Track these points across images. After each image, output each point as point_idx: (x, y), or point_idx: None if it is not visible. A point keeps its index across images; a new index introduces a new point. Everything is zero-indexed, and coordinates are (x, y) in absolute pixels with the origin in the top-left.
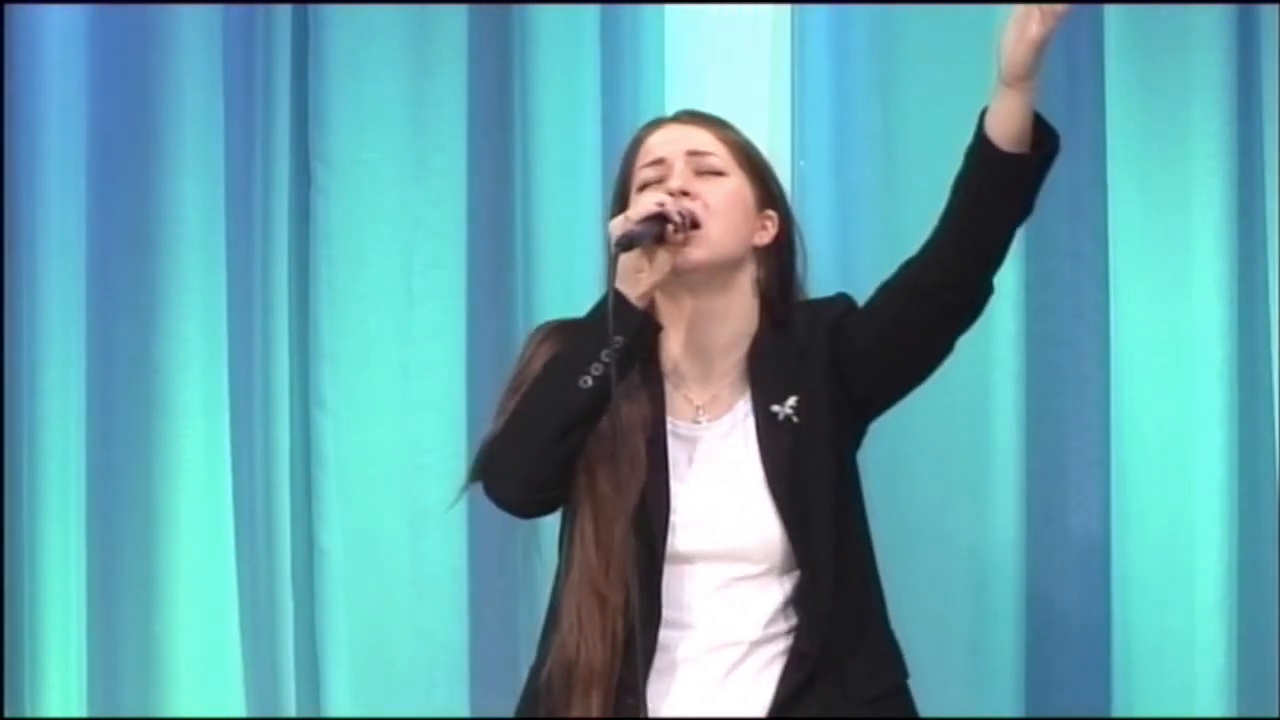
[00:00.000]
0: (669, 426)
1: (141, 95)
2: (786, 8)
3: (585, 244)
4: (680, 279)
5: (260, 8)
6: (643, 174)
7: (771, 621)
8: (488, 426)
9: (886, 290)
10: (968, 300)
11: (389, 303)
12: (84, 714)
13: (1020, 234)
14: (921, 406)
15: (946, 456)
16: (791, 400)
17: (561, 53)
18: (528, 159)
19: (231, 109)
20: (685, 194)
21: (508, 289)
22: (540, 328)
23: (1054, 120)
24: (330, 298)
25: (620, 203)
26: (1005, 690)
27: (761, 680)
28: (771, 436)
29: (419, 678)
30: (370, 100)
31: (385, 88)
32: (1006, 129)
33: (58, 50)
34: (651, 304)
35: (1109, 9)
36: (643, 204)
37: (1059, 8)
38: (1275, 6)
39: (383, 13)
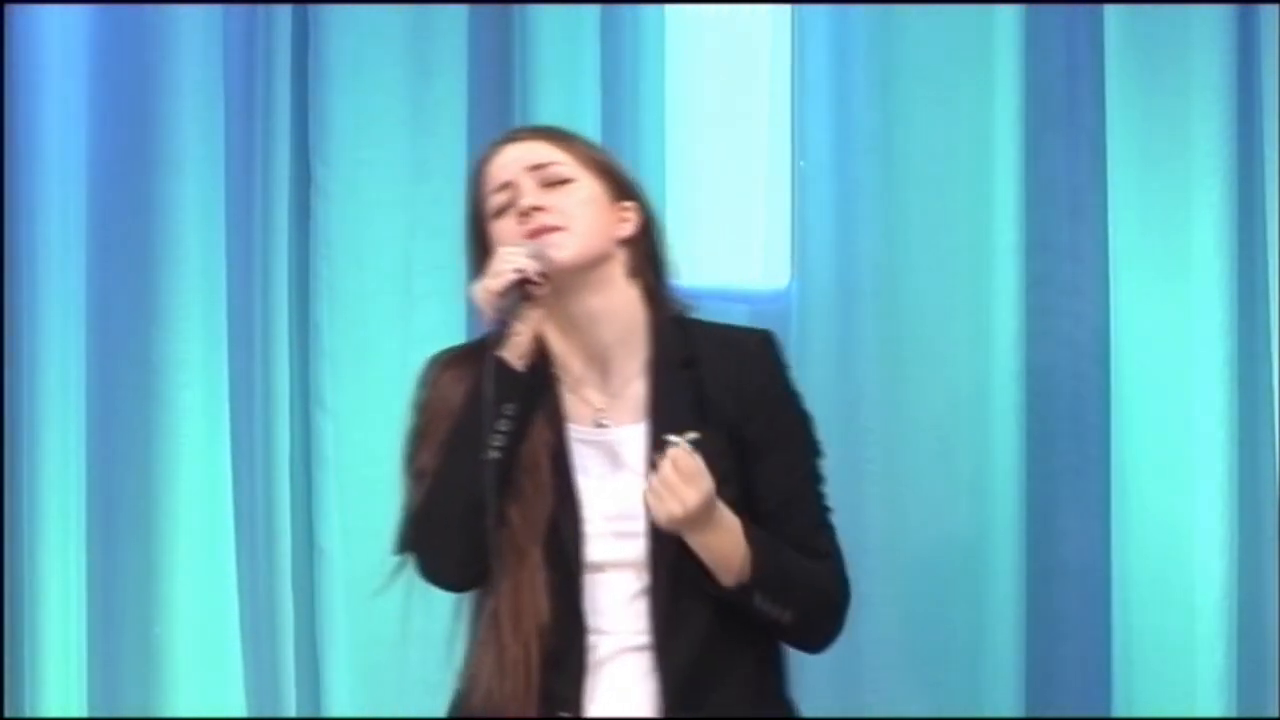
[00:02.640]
0: (570, 433)
1: (141, 96)
2: (786, 8)
3: None
4: (556, 286)
5: (260, 8)
6: (493, 200)
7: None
8: (402, 486)
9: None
10: None
11: (389, 303)
12: (84, 714)
13: (1020, 234)
14: (921, 406)
15: (946, 456)
16: (691, 435)
17: (562, 53)
18: None
19: (232, 109)
20: (538, 209)
21: None
22: (430, 361)
23: (1054, 119)
24: (330, 298)
25: (475, 232)
26: (1005, 690)
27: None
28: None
29: (419, 678)
30: (370, 101)
31: (385, 88)
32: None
33: (58, 51)
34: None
35: (1109, 9)
36: (500, 273)
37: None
38: (1275, 6)
39: (383, 13)
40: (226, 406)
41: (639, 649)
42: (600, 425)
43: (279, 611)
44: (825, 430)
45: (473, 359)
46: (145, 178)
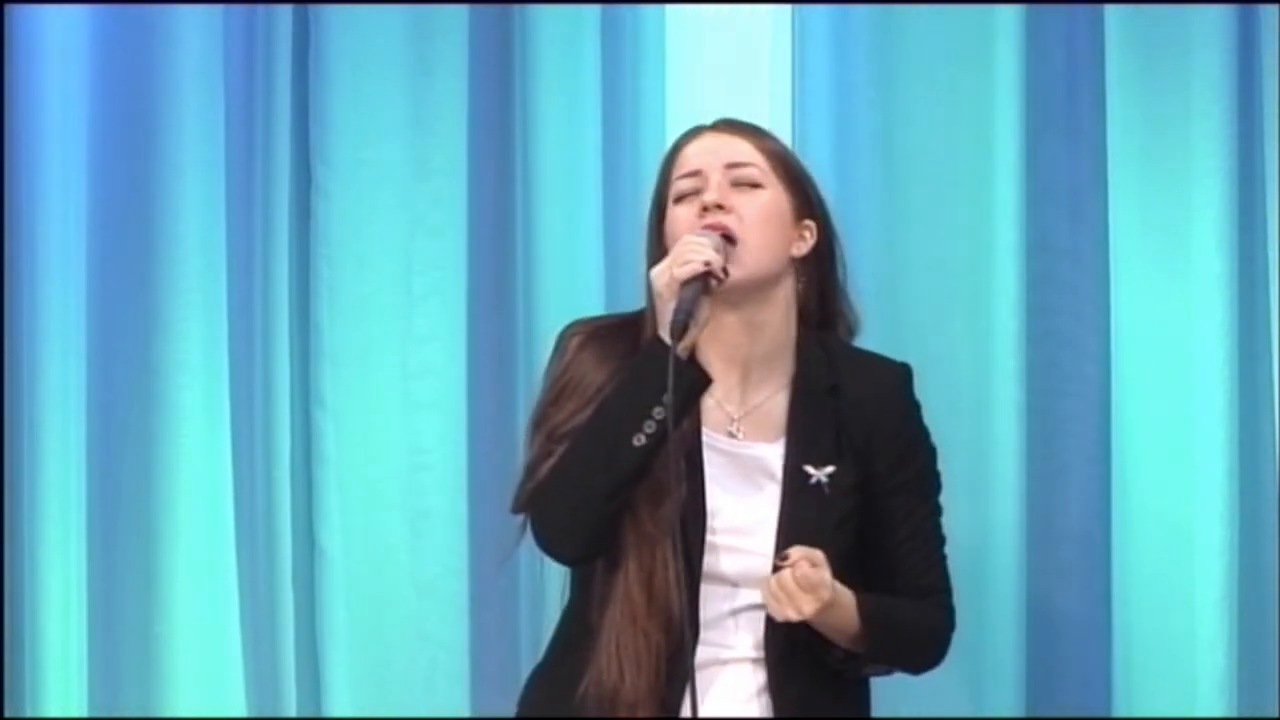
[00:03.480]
0: (705, 439)
1: (142, 95)
2: (787, 8)
3: (586, 244)
4: (719, 296)
5: (260, 8)
6: (679, 185)
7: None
8: (526, 444)
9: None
10: None
11: (389, 303)
12: (84, 714)
13: (1020, 234)
14: (921, 405)
15: (946, 456)
16: (829, 469)
17: (562, 52)
18: (528, 159)
19: (232, 109)
20: (720, 207)
21: (508, 289)
22: (572, 330)
23: (1055, 120)
24: (331, 298)
25: (658, 211)
26: (1005, 690)
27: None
28: (797, 494)
29: (419, 678)
30: (371, 100)
31: (386, 88)
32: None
33: (58, 50)
34: None
35: (1109, 9)
36: (689, 263)
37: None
38: (1275, 6)
39: (383, 13)
40: (227, 406)
41: (751, 661)
42: (732, 435)
43: (279, 611)
44: None
45: (618, 337)
46: (145, 177)
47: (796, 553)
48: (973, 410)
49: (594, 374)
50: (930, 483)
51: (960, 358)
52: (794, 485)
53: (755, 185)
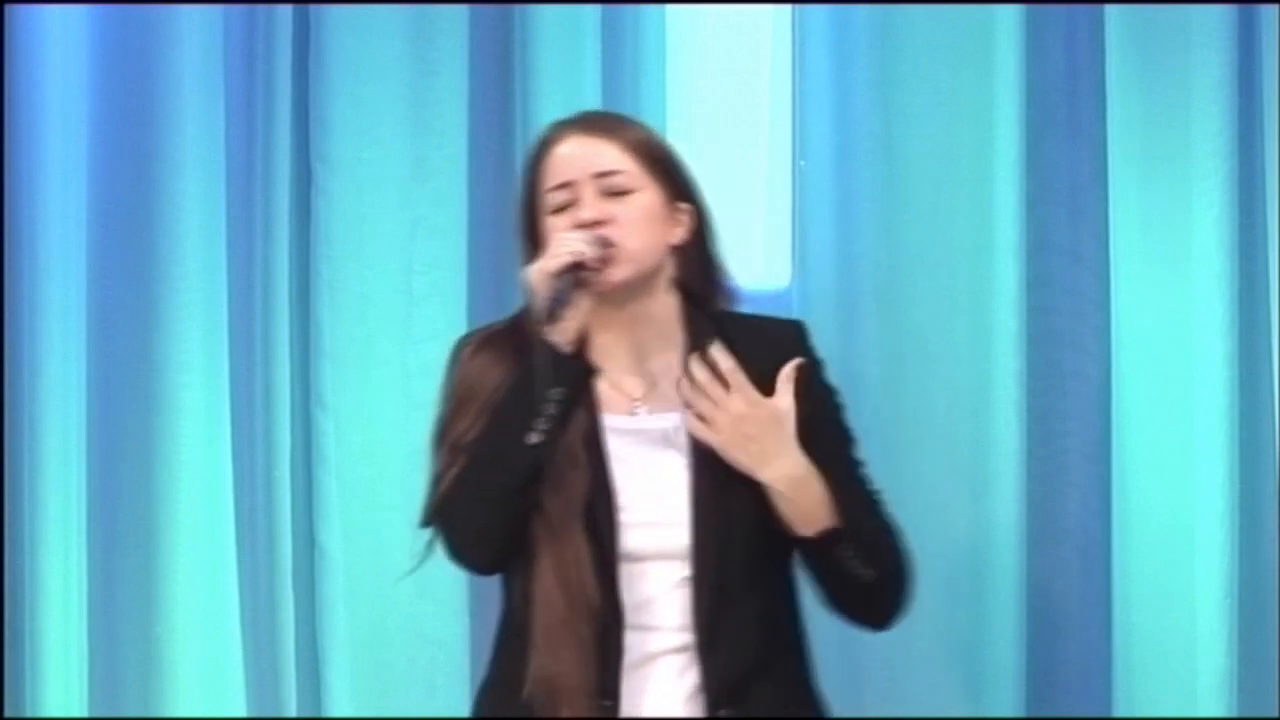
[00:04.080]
0: (604, 422)
1: (142, 95)
2: (787, 8)
3: None
4: (605, 298)
5: (261, 7)
6: (552, 198)
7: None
8: (431, 459)
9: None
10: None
11: (390, 302)
12: (84, 714)
13: (1021, 233)
14: (921, 406)
15: (946, 456)
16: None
17: (562, 52)
18: None
19: (232, 109)
20: (598, 223)
21: (508, 289)
22: (463, 341)
23: (1055, 119)
24: (331, 297)
25: (528, 220)
26: (1005, 690)
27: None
28: (703, 456)
29: (419, 678)
30: (371, 100)
31: (386, 87)
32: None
33: (58, 50)
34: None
35: (1109, 9)
36: (558, 255)
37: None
38: (1275, 6)
39: (383, 12)
40: (227, 406)
41: (683, 647)
42: (633, 414)
43: (280, 611)
44: None
45: (508, 341)
46: (145, 177)
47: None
48: (973, 410)
49: (487, 379)
50: (844, 433)
51: (960, 358)
52: (700, 448)
53: (627, 191)
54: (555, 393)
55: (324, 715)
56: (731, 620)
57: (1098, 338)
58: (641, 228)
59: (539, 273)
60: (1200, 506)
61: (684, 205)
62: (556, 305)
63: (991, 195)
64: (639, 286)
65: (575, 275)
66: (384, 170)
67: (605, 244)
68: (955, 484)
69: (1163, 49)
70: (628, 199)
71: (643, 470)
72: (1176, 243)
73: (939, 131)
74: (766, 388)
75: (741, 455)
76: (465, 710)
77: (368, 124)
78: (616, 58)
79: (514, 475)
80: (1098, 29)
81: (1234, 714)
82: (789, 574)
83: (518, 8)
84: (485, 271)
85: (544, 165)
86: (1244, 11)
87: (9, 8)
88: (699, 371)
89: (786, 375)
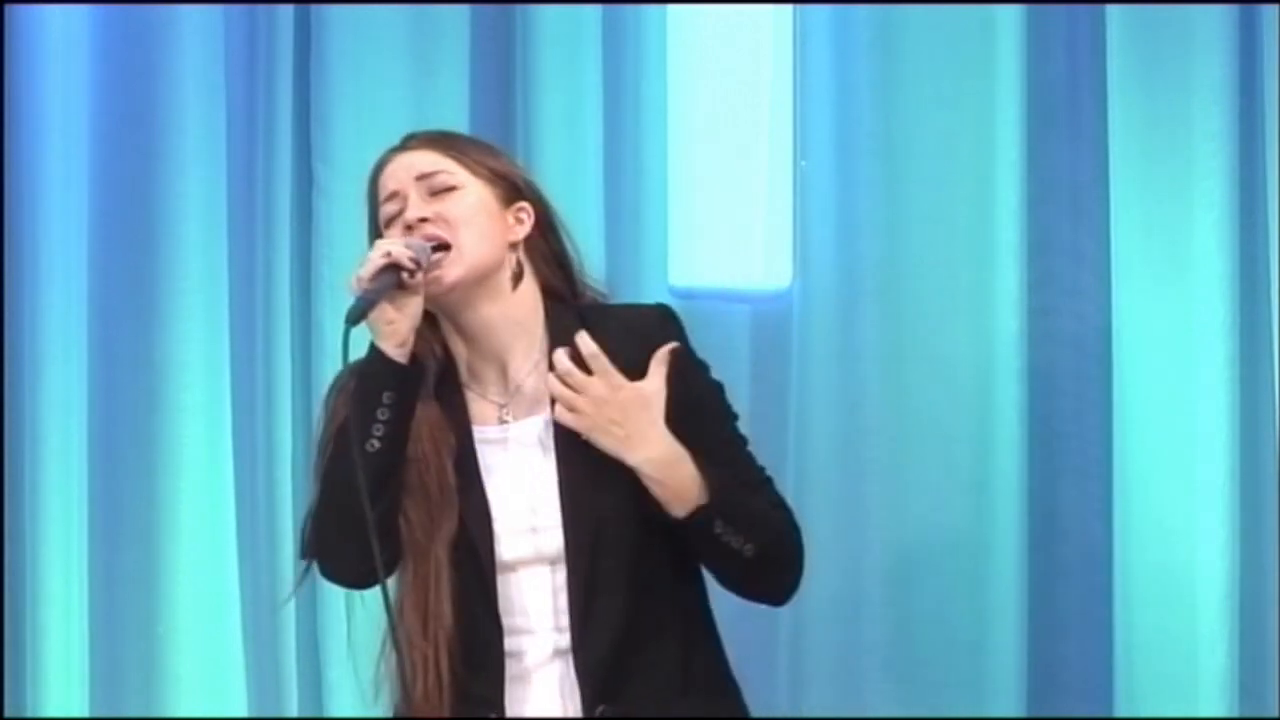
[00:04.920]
0: (475, 434)
1: (143, 95)
2: (788, 7)
3: (587, 243)
4: (445, 300)
5: (261, 8)
6: (384, 210)
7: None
8: (307, 496)
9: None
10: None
11: None
12: (85, 714)
13: (1022, 233)
14: (923, 406)
15: (948, 456)
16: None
17: (563, 52)
18: (530, 159)
19: (233, 109)
20: (424, 221)
21: None
22: (338, 375)
23: (1056, 120)
24: (332, 298)
25: (373, 240)
26: (1006, 690)
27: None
28: (571, 448)
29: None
30: (372, 100)
31: (387, 88)
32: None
33: (59, 50)
34: (434, 326)
35: (1110, 9)
36: (370, 260)
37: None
38: (1276, 6)
39: (384, 12)
40: (228, 407)
41: (563, 650)
42: (503, 422)
43: (281, 611)
44: (826, 430)
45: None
46: (147, 178)
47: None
48: (974, 410)
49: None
50: (721, 411)
51: (961, 358)
52: (567, 446)
53: (451, 188)
54: (386, 396)
55: (325, 715)
56: (607, 618)
57: (1098, 338)
58: (471, 222)
59: (354, 280)
60: (1201, 506)
61: (522, 203)
62: (365, 305)
63: (992, 195)
64: (479, 288)
65: (393, 277)
66: None
67: (438, 245)
68: (955, 484)
69: (1164, 49)
70: (453, 195)
71: (515, 477)
72: (1177, 243)
73: (939, 131)
74: (637, 375)
75: (607, 440)
76: None
77: (369, 124)
78: (617, 58)
79: (358, 487)
80: (1099, 29)
81: (1234, 714)
82: (678, 566)
83: (518, 8)
84: None
85: (376, 186)
86: (1244, 12)
87: (9, 8)
88: (561, 360)
89: (659, 358)
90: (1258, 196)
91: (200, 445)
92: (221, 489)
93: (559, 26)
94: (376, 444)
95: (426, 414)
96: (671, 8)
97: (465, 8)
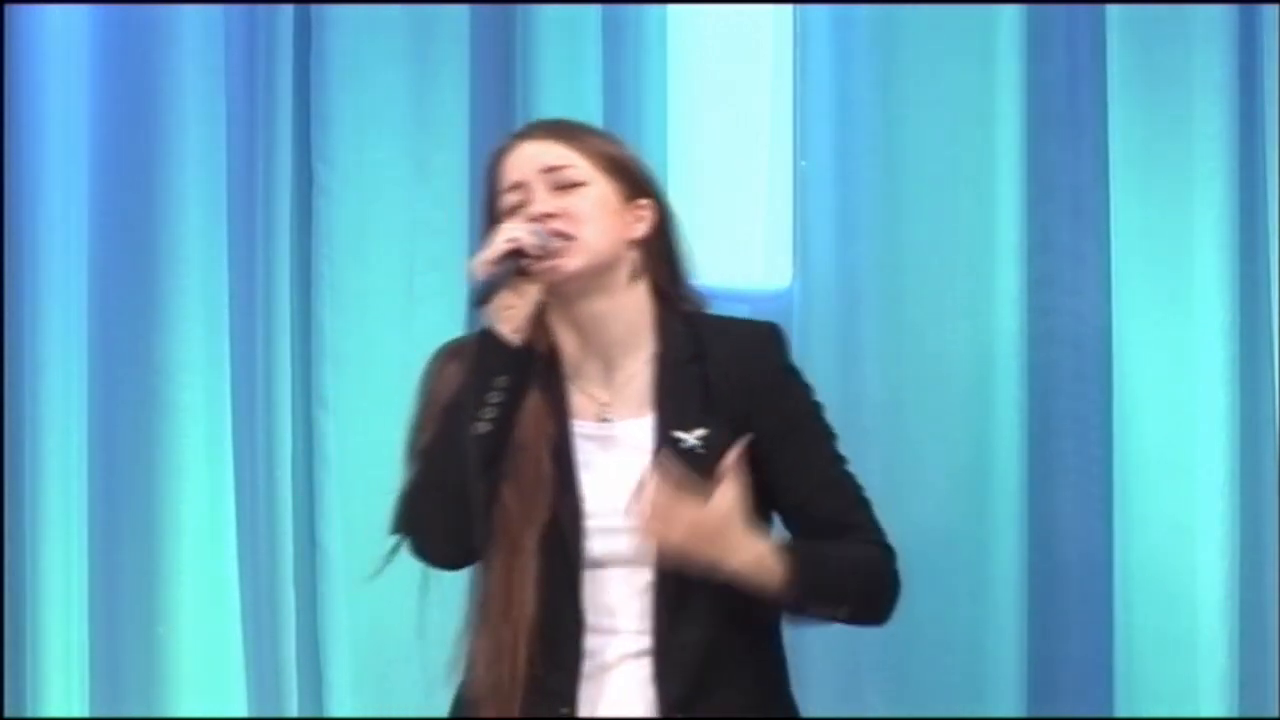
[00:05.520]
0: (574, 428)
1: (143, 96)
2: (788, 8)
3: None
4: (561, 291)
5: (262, 8)
6: (505, 200)
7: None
8: (404, 469)
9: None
10: None
11: (391, 303)
12: (85, 714)
13: (1022, 234)
14: (923, 406)
15: (948, 456)
16: (699, 432)
17: (564, 52)
18: None
19: (233, 109)
20: (549, 216)
21: None
22: (435, 355)
23: (1056, 119)
24: (332, 298)
25: (488, 228)
26: (1006, 691)
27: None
28: (670, 455)
29: (420, 678)
30: (372, 100)
31: (387, 88)
32: None
33: (59, 50)
34: (541, 315)
35: (1110, 9)
36: (494, 244)
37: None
38: (1276, 6)
39: (385, 12)
40: (228, 406)
41: (643, 652)
42: (604, 420)
43: (281, 611)
44: None
45: (472, 351)
46: (147, 178)
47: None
48: (973, 410)
49: (451, 386)
50: (823, 431)
51: (961, 358)
52: (665, 454)
53: (577, 184)
54: (500, 380)
55: (325, 715)
56: (690, 625)
57: (1099, 338)
58: (594, 219)
59: (478, 262)
60: (1201, 506)
61: (643, 201)
62: (489, 289)
63: (992, 195)
64: (596, 280)
65: (516, 263)
66: (385, 171)
67: (561, 237)
68: (955, 484)
69: (1164, 49)
70: (578, 191)
71: (612, 476)
72: (1177, 243)
73: (939, 131)
74: (737, 394)
75: (703, 557)
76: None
77: (369, 124)
78: (617, 58)
79: (464, 467)
80: (1099, 29)
81: (1234, 714)
82: None
83: (519, 8)
84: None
85: (497, 173)
86: (1244, 11)
87: (9, 8)
88: (648, 490)
89: (730, 463)
90: (1258, 196)
91: (200, 444)
92: (221, 488)
93: (559, 26)
94: (485, 426)
95: (530, 402)
96: (671, 8)
97: (465, 8)
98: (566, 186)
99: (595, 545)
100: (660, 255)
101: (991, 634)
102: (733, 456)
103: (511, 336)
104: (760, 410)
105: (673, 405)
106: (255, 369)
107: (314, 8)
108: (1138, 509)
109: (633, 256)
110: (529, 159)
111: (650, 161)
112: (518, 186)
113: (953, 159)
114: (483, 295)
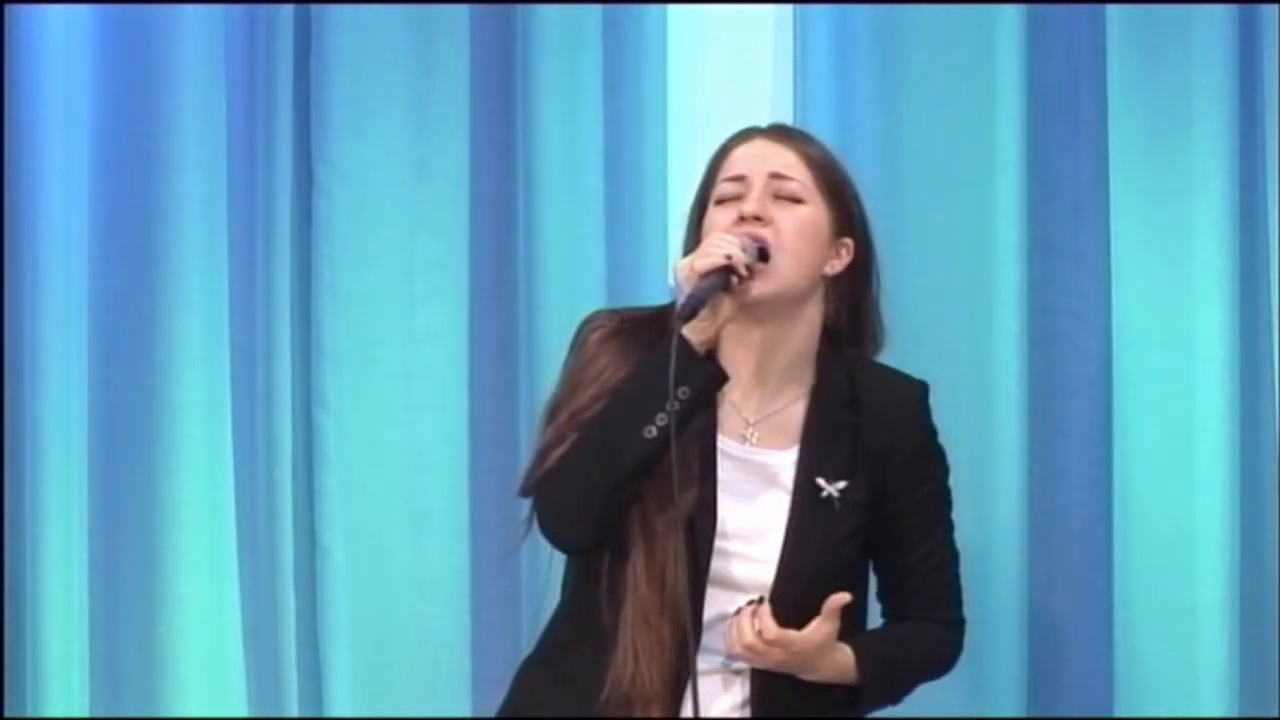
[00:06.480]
0: (719, 443)
1: (143, 95)
2: (788, 7)
3: (587, 244)
4: (745, 310)
5: (261, 7)
6: (722, 188)
7: None
8: (540, 429)
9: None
10: None
11: (391, 303)
12: (85, 714)
13: (1022, 234)
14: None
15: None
16: (841, 484)
17: (564, 52)
18: (530, 159)
19: (233, 109)
20: (758, 219)
21: (510, 289)
22: (594, 323)
23: (1056, 120)
24: (332, 298)
25: (699, 209)
26: (1006, 691)
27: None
28: (807, 506)
29: (421, 678)
30: (372, 100)
31: (387, 87)
32: None
33: (59, 50)
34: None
35: (1111, 9)
36: (710, 255)
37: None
38: (1276, 6)
39: (384, 12)
40: (228, 406)
41: (738, 670)
42: (747, 442)
43: (281, 611)
44: None
45: (643, 331)
46: (147, 177)
47: (764, 611)
48: (974, 410)
49: (614, 368)
50: (945, 501)
51: (961, 358)
52: (804, 496)
53: (796, 200)
54: (682, 391)
55: (325, 715)
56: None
57: (1098, 338)
58: (799, 241)
59: (688, 269)
60: (1201, 506)
61: (848, 239)
62: (697, 303)
63: (993, 195)
64: (781, 307)
65: (726, 278)
66: (385, 170)
67: (760, 250)
68: (956, 485)
69: (1164, 49)
70: (794, 208)
71: (746, 502)
72: (1177, 243)
73: (939, 131)
74: (884, 449)
75: (789, 670)
76: (466, 710)
77: (369, 124)
78: (617, 58)
79: (623, 465)
80: (1099, 29)
81: (1234, 714)
82: (858, 620)
83: (519, 8)
84: (486, 272)
85: (724, 159)
86: (1244, 11)
87: (9, 8)
88: (743, 625)
89: (831, 608)
90: (1258, 196)
91: (200, 444)
92: (221, 488)
93: (559, 26)
94: (654, 431)
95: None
96: (671, 8)
97: (465, 7)
98: (785, 198)
99: (719, 565)
100: (845, 297)
101: (992, 635)
102: (838, 601)
103: (701, 346)
104: (899, 470)
105: (820, 446)
106: (255, 369)
107: (314, 7)
108: (1137, 508)
109: (822, 290)
110: (760, 158)
111: (650, 163)
112: (739, 179)
113: (953, 159)
114: (691, 308)
